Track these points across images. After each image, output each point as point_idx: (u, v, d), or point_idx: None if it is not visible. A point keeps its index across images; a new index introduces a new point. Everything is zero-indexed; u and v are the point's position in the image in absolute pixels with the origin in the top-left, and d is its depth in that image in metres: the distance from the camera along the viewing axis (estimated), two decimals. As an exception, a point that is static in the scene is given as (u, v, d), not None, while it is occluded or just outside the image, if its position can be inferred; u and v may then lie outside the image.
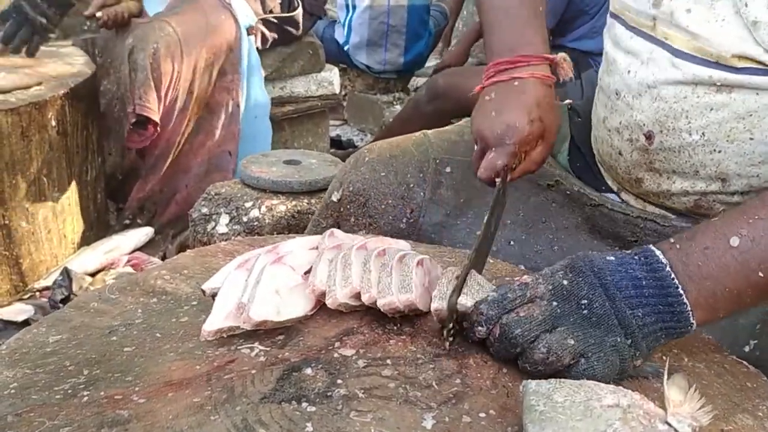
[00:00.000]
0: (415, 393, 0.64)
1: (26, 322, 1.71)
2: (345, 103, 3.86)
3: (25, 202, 1.82)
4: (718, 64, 0.78)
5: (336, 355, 0.70)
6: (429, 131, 1.14)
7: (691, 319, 0.65)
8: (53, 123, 1.84)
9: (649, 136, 0.87)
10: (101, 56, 2.35)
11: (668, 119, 0.85)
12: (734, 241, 0.65)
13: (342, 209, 1.07)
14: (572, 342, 0.63)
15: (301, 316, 0.75)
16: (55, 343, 0.71)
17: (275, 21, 2.51)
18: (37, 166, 1.82)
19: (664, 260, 0.66)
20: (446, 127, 1.17)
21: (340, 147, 3.31)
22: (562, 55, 0.91)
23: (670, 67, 0.83)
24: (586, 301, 0.64)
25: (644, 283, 0.65)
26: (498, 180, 0.86)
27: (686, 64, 0.81)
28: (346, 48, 3.61)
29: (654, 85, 0.85)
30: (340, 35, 3.62)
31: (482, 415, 0.62)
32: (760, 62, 0.75)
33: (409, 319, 0.76)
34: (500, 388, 0.66)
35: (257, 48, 2.40)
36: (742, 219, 0.67)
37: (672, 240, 0.69)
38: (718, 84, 0.79)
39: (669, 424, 0.55)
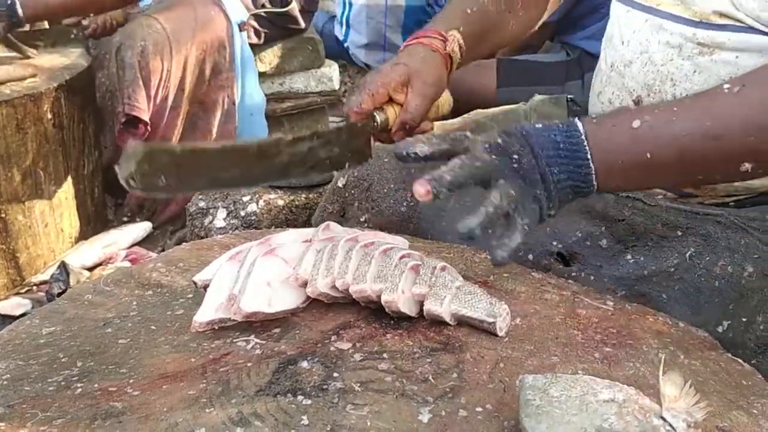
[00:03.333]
0: (412, 387, 0.64)
1: (23, 316, 1.70)
2: (344, 100, 3.85)
3: (22, 196, 1.81)
4: (701, 23, 0.86)
5: (332, 348, 0.69)
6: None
7: (594, 180, 0.73)
8: (49, 115, 1.83)
9: (637, 102, 0.93)
10: (95, 48, 2.34)
11: (656, 82, 0.91)
12: (635, 123, 0.73)
13: (347, 194, 1.11)
14: (513, 193, 0.69)
15: (292, 308, 0.75)
16: (48, 335, 0.71)
17: (265, 15, 2.49)
18: (33, 159, 1.81)
19: (581, 129, 0.73)
20: (447, 121, 1.19)
21: (339, 143, 3.30)
22: (453, 32, 0.96)
23: (659, 29, 0.91)
24: (516, 156, 0.71)
25: (561, 146, 0.73)
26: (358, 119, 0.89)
27: (673, 24, 0.89)
28: (345, 44, 3.60)
29: (645, 50, 0.92)
30: (339, 32, 3.61)
31: (479, 409, 0.62)
32: (737, 20, 0.83)
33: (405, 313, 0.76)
34: (497, 382, 0.66)
35: (252, 43, 2.38)
36: (649, 108, 0.78)
37: (594, 116, 0.79)
38: (702, 43, 0.86)
39: (664, 419, 0.55)
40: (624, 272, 0.90)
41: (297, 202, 1.55)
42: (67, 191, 1.96)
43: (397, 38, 3.52)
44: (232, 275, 0.76)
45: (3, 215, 1.78)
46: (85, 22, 2.18)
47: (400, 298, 0.73)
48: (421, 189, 0.67)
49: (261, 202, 1.53)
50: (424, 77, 0.91)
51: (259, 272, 0.75)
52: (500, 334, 0.73)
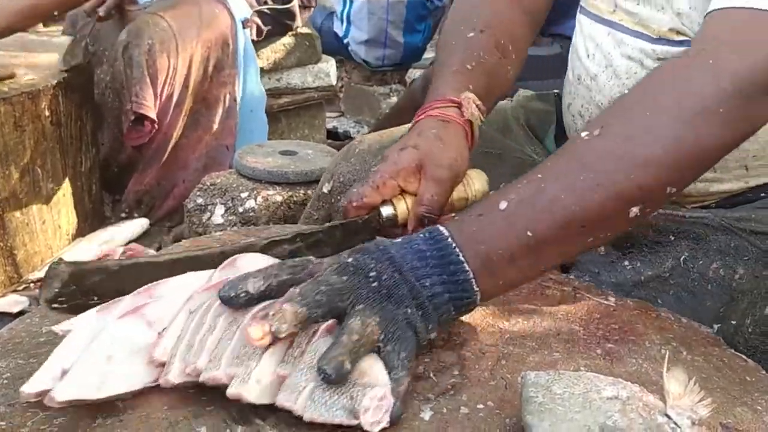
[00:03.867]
0: (413, 384, 0.63)
1: (21, 314, 1.70)
2: (341, 95, 3.85)
3: (19, 193, 1.80)
4: (660, 39, 0.86)
5: (333, 346, 0.68)
6: None
7: (475, 286, 0.63)
8: (47, 113, 1.82)
9: None
10: (93, 45, 2.34)
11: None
12: (502, 205, 0.65)
13: (333, 200, 1.09)
14: (377, 318, 0.58)
15: (134, 390, 0.60)
16: (48, 333, 0.70)
17: (269, 12, 2.49)
18: (30, 156, 1.81)
19: (446, 232, 0.64)
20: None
21: (337, 139, 3.29)
22: (466, 94, 0.85)
23: (620, 43, 0.90)
24: (374, 273, 0.61)
25: (428, 254, 0.63)
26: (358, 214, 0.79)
27: (633, 39, 0.89)
28: (345, 41, 3.58)
29: (610, 63, 0.92)
30: (339, 28, 3.60)
31: (480, 406, 0.61)
32: (691, 37, 0.83)
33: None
34: (498, 379, 0.65)
35: (252, 40, 2.38)
36: (513, 185, 0.68)
37: (454, 215, 0.71)
38: (661, 58, 0.86)
39: (668, 416, 0.54)
40: (621, 278, 0.90)
41: (295, 198, 1.55)
42: (64, 188, 1.96)
43: (398, 34, 3.51)
44: (83, 338, 0.61)
45: (0, 212, 1.77)
46: (101, 11, 2.17)
47: (251, 390, 0.56)
48: (256, 333, 0.56)
49: (259, 199, 1.53)
50: (438, 159, 0.79)
51: (104, 341, 0.59)
52: (374, 430, 0.56)
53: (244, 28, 2.30)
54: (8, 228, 1.80)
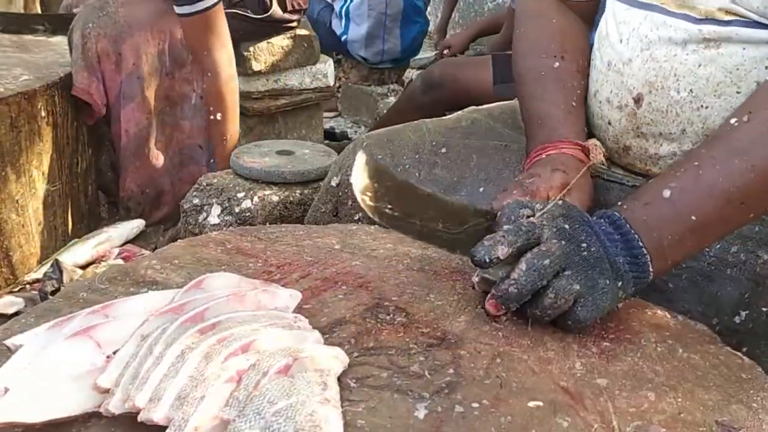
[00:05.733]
0: (408, 383, 0.63)
1: (17, 314, 1.69)
2: (339, 95, 3.85)
3: (15, 194, 1.80)
4: (705, 19, 0.85)
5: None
6: (426, 120, 1.17)
7: (650, 268, 0.72)
8: (43, 113, 1.82)
9: (637, 99, 0.92)
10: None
11: (657, 79, 0.90)
12: (666, 193, 0.73)
13: (340, 193, 1.10)
14: (577, 287, 0.68)
15: (74, 414, 0.56)
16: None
17: (241, 16, 2.49)
18: (26, 157, 1.80)
19: (622, 219, 0.73)
20: (443, 117, 1.19)
21: (334, 139, 3.29)
22: (593, 140, 0.97)
23: (662, 26, 0.89)
24: (585, 244, 0.69)
25: (616, 237, 0.72)
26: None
27: (678, 21, 0.87)
28: (343, 39, 3.58)
29: (647, 47, 0.91)
30: (337, 26, 3.59)
31: (475, 405, 0.61)
32: (744, 16, 0.83)
33: (401, 309, 0.75)
34: (493, 378, 0.65)
35: (234, 38, 2.38)
36: (670, 174, 0.76)
37: (620, 203, 0.77)
38: (708, 38, 0.85)
39: None
40: None
41: (292, 198, 1.55)
42: (60, 189, 1.96)
43: (395, 26, 3.51)
44: (29, 355, 0.58)
45: (-4, 213, 1.77)
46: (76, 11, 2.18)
47: None
48: (493, 311, 0.70)
49: (255, 199, 1.53)
50: (584, 188, 0.88)
51: (49, 362, 0.56)
52: None
53: None
54: (4, 229, 1.80)
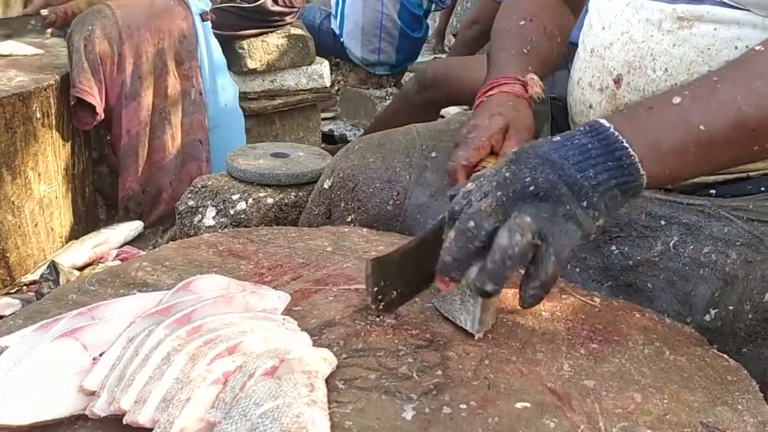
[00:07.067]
0: (396, 384, 0.64)
1: (11, 316, 1.70)
2: (338, 98, 3.85)
3: (11, 196, 1.80)
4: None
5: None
6: (417, 124, 1.18)
7: (641, 170, 0.67)
8: (38, 114, 1.82)
9: (617, 80, 0.94)
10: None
11: (636, 59, 0.92)
12: (676, 99, 0.70)
13: (333, 195, 1.11)
14: (527, 219, 0.63)
15: (61, 416, 0.56)
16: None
17: (234, 10, 2.50)
18: (22, 158, 1.81)
19: (607, 124, 0.69)
20: (433, 122, 1.20)
21: (333, 142, 3.29)
22: (531, 75, 1.00)
23: (639, 9, 0.92)
24: (529, 179, 0.65)
25: (590, 146, 0.67)
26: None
27: (653, 3, 0.91)
28: (341, 39, 3.59)
29: (626, 30, 0.93)
30: (335, 25, 3.61)
31: (463, 406, 0.61)
32: None
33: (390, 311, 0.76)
34: (481, 379, 0.66)
35: (238, 34, 2.39)
36: (685, 85, 0.73)
37: (620, 109, 0.76)
38: (681, 17, 0.87)
39: None
40: (609, 263, 0.91)
41: (286, 200, 1.55)
42: (57, 190, 1.96)
43: (393, 28, 3.52)
44: (15, 357, 0.58)
45: (-8, 215, 1.77)
46: (44, 12, 2.18)
47: None
48: (442, 286, 0.66)
49: (250, 201, 1.53)
50: (520, 124, 0.93)
51: (35, 363, 0.56)
52: None
53: (203, 21, 2.30)
54: (0, 231, 1.80)
